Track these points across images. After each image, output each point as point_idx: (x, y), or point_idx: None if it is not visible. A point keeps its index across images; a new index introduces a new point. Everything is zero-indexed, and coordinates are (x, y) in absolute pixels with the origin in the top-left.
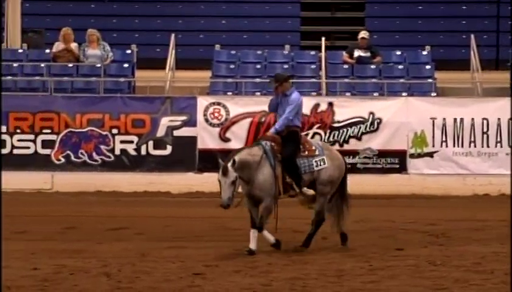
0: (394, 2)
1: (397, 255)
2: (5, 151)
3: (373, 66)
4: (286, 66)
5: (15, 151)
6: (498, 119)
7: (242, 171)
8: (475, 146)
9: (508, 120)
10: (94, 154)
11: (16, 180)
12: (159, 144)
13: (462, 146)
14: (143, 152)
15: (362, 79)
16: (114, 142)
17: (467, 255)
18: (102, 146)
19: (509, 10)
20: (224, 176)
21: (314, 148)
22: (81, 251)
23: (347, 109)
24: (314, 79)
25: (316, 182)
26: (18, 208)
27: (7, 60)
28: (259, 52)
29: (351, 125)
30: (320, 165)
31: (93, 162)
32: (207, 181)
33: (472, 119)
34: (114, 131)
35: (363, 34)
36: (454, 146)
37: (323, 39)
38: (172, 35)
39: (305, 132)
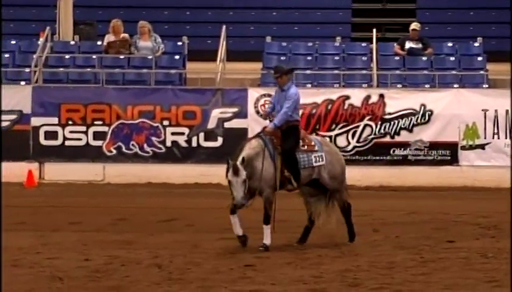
0: None
1: (448, 247)
2: (56, 142)
3: (424, 58)
4: (337, 58)
5: (67, 143)
6: None
7: (248, 167)
8: None
9: None
10: (145, 145)
11: (68, 172)
12: (210, 136)
13: None
14: (194, 144)
15: (413, 71)
16: (165, 134)
17: None
18: (153, 138)
19: None
20: (236, 175)
21: (313, 143)
22: (133, 242)
23: (398, 101)
24: (364, 71)
25: (320, 181)
26: (70, 199)
27: (59, 52)
28: (310, 44)
29: (402, 116)
30: (319, 161)
31: (145, 154)
32: None
33: None
34: (165, 122)
35: (414, 25)
36: (506, 138)
37: (374, 30)
38: (224, 27)
39: (356, 124)
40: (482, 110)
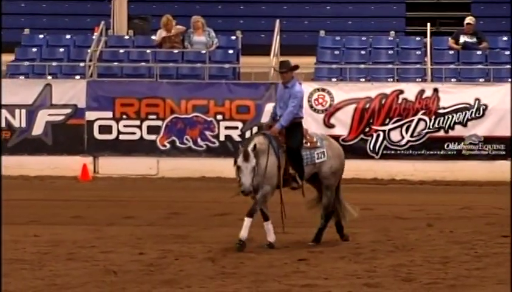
0: None
1: (502, 242)
2: (111, 136)
3: (479, 52)
4: (390, 52)
5: (121, 137)
6: None
7: (255, 159)
8: None
9: None
10: (199, 140)
11: (122, 166)
12: None
13: None
14: None
15: (467, 65)
16: (218, 128)
17: None
18: (207, 132)
19: None
20: (246, 161)
21: (315, 139)
22: (186, 236)
23: (452, 95)
24: (419, 66)
25: (319, 175)
26: (124, 193)
27: (113, 46)
28: (363, 38)
29: (456, 111)
30: (321, 157)
31: (198, 148)
32: None
33: None
34: (219, 117)
35: (469, 19)
36: None
37: (428, 25)
38: (277, 21)
39: (410, 118)
40: None
